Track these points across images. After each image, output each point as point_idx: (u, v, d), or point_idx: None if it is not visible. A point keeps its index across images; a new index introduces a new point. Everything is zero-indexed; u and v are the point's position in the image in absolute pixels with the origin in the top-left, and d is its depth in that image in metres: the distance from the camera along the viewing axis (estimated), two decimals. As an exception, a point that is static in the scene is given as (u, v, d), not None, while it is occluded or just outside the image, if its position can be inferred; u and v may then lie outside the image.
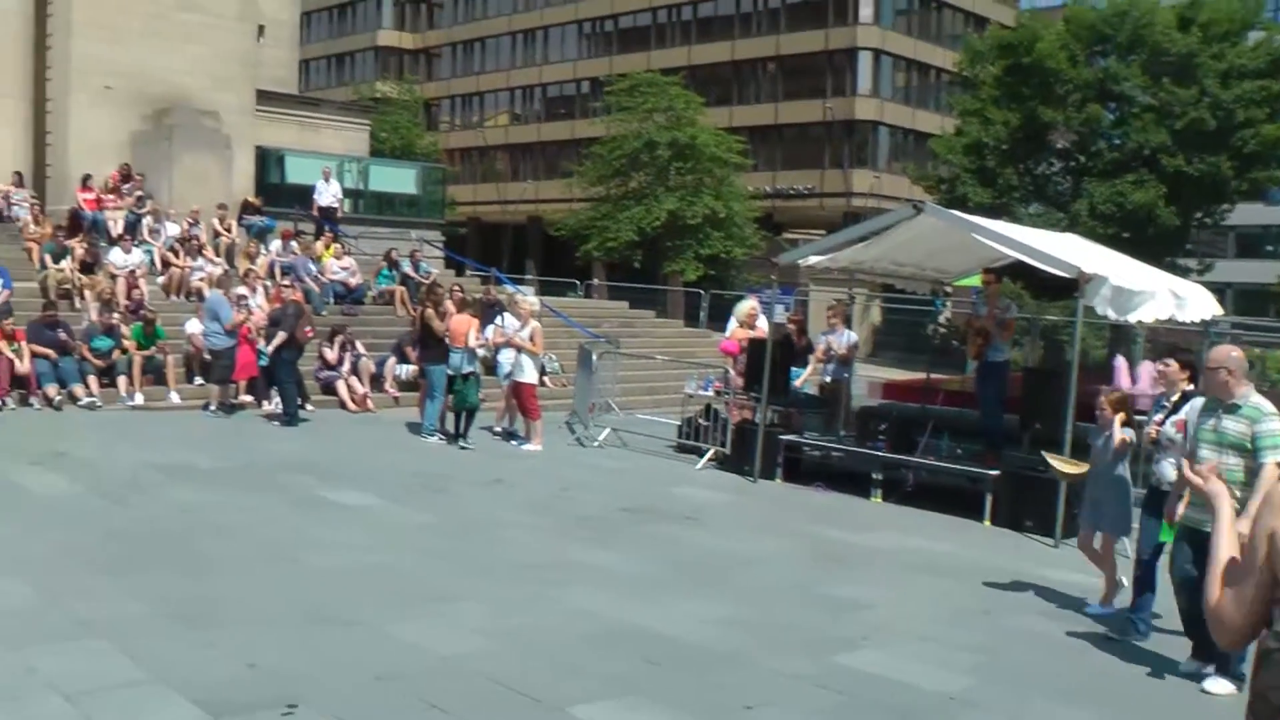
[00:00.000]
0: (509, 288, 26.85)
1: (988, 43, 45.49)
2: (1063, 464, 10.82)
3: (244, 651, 7.27)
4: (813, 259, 16.36)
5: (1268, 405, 7.70)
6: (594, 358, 19.17)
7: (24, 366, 17.80)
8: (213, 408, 18.41)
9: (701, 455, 16.70)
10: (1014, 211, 40.27)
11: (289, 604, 8.37)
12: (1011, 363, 17.42)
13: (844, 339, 17.26)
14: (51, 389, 17.90)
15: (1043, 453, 11.54)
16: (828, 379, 17.45)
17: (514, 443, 17.54)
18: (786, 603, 9.46)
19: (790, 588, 9.99)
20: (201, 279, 22.39)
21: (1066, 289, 13.43)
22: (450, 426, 17.24)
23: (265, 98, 32.60)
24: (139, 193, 25.68)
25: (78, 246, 22.10)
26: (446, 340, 17.03)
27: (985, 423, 15.42)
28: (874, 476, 14.65)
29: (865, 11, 61.24)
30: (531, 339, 17.24)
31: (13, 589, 8.39)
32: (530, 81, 77.47)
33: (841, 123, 61.41)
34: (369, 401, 20.13)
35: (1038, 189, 44.00)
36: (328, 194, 28.99)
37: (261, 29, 34.34)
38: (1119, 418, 9.66)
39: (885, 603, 9.68)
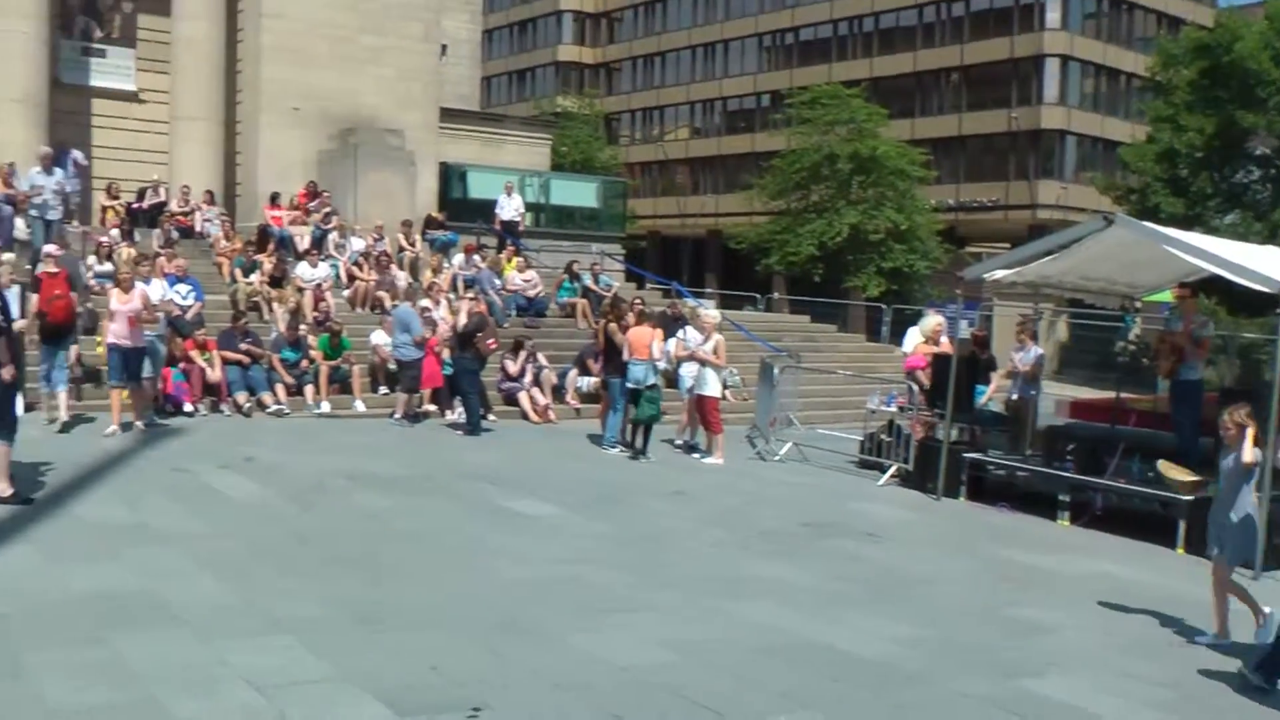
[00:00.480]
0: (690, 301, 26.80)
1: (1182, 45, 43.76)
2: (1177, 473, 10.23)
3: (427, 654, 7.29)
4: (999, 273, 15.90)
5: None
6: (775, 372, 18.97)
7: (215, 375, 18.37)
8: (398, 416, 18.70)
9: (883, 471, 16.37)
10: (1209, 222, 38.79)
11: (471, 610, 8.40)
12: (1205, 382, 16.69)
13: (1030, 355, 16.80)
14: (241, 396, 18.42)
15: (1159, 462, 10.96)
16: (1013, 396, 17.00)
17: (695, 456, 17.46)
18: (968, 623, 9.15)
19: (972, 609, 9.67)
20: (389, 291, 22.81)
21: (1266, 304, 12.77)
22: (631, 439, 17.19)
23: (448, 115, 33.23)
24: (325, 209, 26.27)
25: (266, 261, 22.70)
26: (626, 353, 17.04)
27: (1181, 446, 14.55)
28: (1060, 498, 14.11)
29: (1052, 16, 59.78)
30: (715, 352, 17.14)
31: (206, 585, 8.64)
32: (710, 95, 77.52)
33: (1027, 132, 59.98)
34: (550, 413, 20.26)
35: (1234, 198, 42.12)
36: (510, 208, 29.31)
37: (444, 48, 35.03)
38: (1250, 434, 8.82)
39: (1070, 628, 9.27)
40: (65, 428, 15.66)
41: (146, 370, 16.24)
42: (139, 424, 15.85)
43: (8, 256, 15.76)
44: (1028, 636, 8.91)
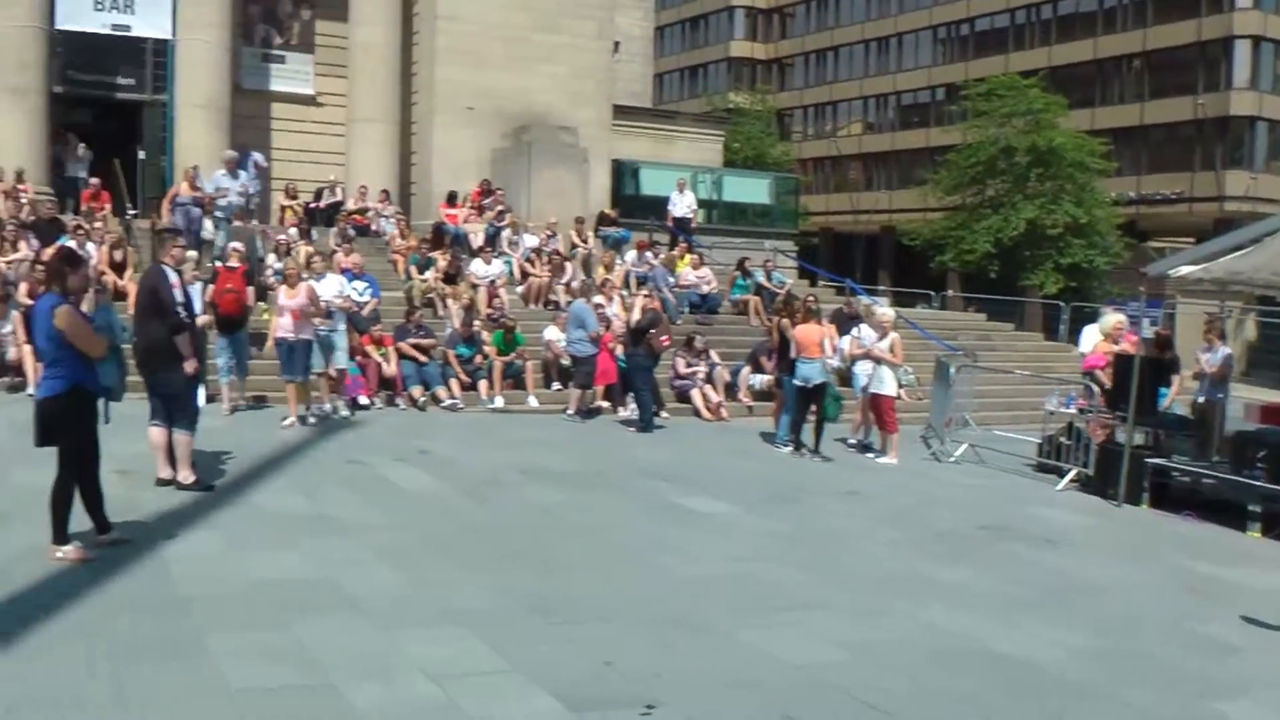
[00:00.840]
0: (863, 298, 26.50)
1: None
2: None
3: (601, 649, 7.29)
4: (1184, 269, 15.31)
5: None
6: (951, 371, 18.63)
7: (391, 369, 18.75)
8: (571, 412, 18.82)
9: (1062, 476, 15.84)
10: None
11: (645, 605, 8.37)
12: None
13: (1217, 356, 16.19)
14: (416, 390, 18.74)
15: None
16: (1199, 399, 16.40)
17: (869, 455, 17.22)
18: (1149, 636, 8.78)
19: (1153, 621, 9.28)
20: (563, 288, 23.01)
21: None
22: (804, 437, 17.01)
23: (621, 112, 33.40)
24: (499, 207, 26.59)
25: (441, 258, 23.04)
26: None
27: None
28: (1251, 509, 13.47)
29: (1243, -4, 57.43)
30: (891, 350, 16.91)
31: (383, 575, 8.79)
32: (884, 89, 76.70)
33: (1214, 120, 57.69)
34: (723, 410, 20.18)
35: None
36: (682, 205, 29.34)
37: (617, 45, 35.18)
38: None
39: (1259, 648, 8.82)
40: (233, 410, 16.47)
41: (318, 363, 16.56)
42: (310, 416, 16.21)
43: (192, 255, 16.28)
44: (1212, 654, 8.50)
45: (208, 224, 22.15)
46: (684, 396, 20.34)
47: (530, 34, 29.91)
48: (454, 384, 19.04)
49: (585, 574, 9.26)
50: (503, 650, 7.15)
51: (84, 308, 8.91)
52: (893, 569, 10.23)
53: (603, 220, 28.77)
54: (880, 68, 76.99)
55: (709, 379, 20.51)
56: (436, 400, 18.83)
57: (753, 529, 11.55)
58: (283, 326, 15.98)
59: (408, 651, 7.04)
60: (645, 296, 19.50)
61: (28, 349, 16.59)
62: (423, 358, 19.08)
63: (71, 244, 18.13)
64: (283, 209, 27.03)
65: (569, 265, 24.48)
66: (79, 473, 8.59)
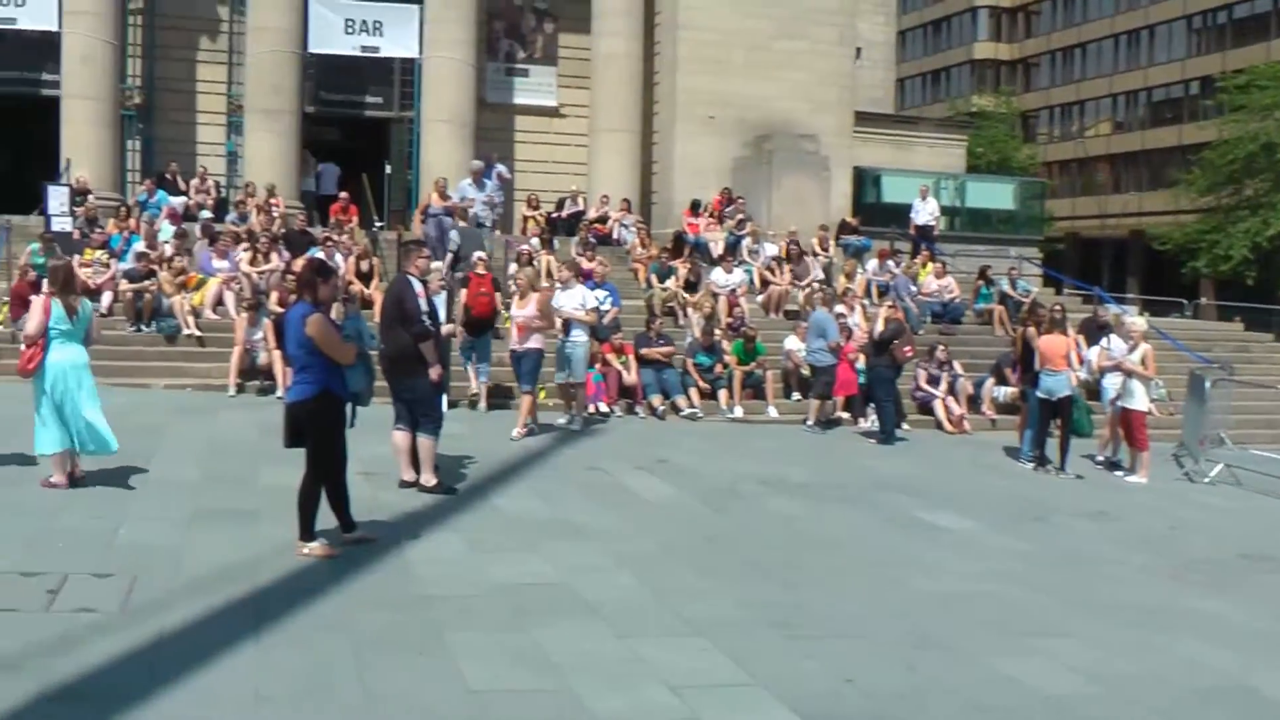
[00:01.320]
0: (1112, 307, 25.70)
1: None
2: None
3: (842, 666, 7.23)
4: None
5: None
6: (1206, 385, 17.83)
7: (631, 377, 18.95)
8: (810, 422, 18.71)
9: (1334, 499, 15.09)
10: None
11: (887, 622, 8.27)
12: None
13: None
14: (656, 399, 18.89)
15: None
16: None
17: (1118, 474, 16.64)
18: None
19: None
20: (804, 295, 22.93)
21: None
22: (1049, 453, 16.55)
23: (862, 118, 33.14)
24: (740, 215, 26.66)
25: (682, 267, 23.21)
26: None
27: None
28: None
29: None
30: (1143, 363, 16.34)
31: (623, 583, 8.88)
32: (1134, 86, 73.84)
33: None
34: (965, 423, 19.84)
35: None
36: (924, 212, 28.93)
37: (858, 51, 34.88)
38: None
39: None
40: (473, 403, 17.32)
41: (572, 373, 16.79)
42: (532, 426, 16.04)
43: (437, 265, 16.75)
44: None
45: (453, 234, 22.81)
46: (926, 408, 20.05)
47: (771, 41, 29.92)
48: (693, 393, 19.15)
49: (825, 587, 9.20)
50: (743, 663, 7.15)
51: (332, 316, 9.25)
52: (1144, 597, 9.84)
53: (844, 229, 28.59)
54: (1130, 62, 74.13)
55: (951, 391, 20.17)
56: (676, 409, 18.96)
57: (996, 547, 11.30)
58: (513, 337, 16.31)
59: (648, 660, 7.09)
60: (889, 307, 19.27)
61: (277, 354, 17.41)
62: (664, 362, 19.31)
63: (321, 255, 18.97)
64: (525, 219, 27.66)
65: (808, 260, 24.40)
66: (326, 474, 8.94)
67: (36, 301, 11.17)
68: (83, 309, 11.08)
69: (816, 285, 23.01)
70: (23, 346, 11.48)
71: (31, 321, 10.90)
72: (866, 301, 22.27)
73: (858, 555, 10.49)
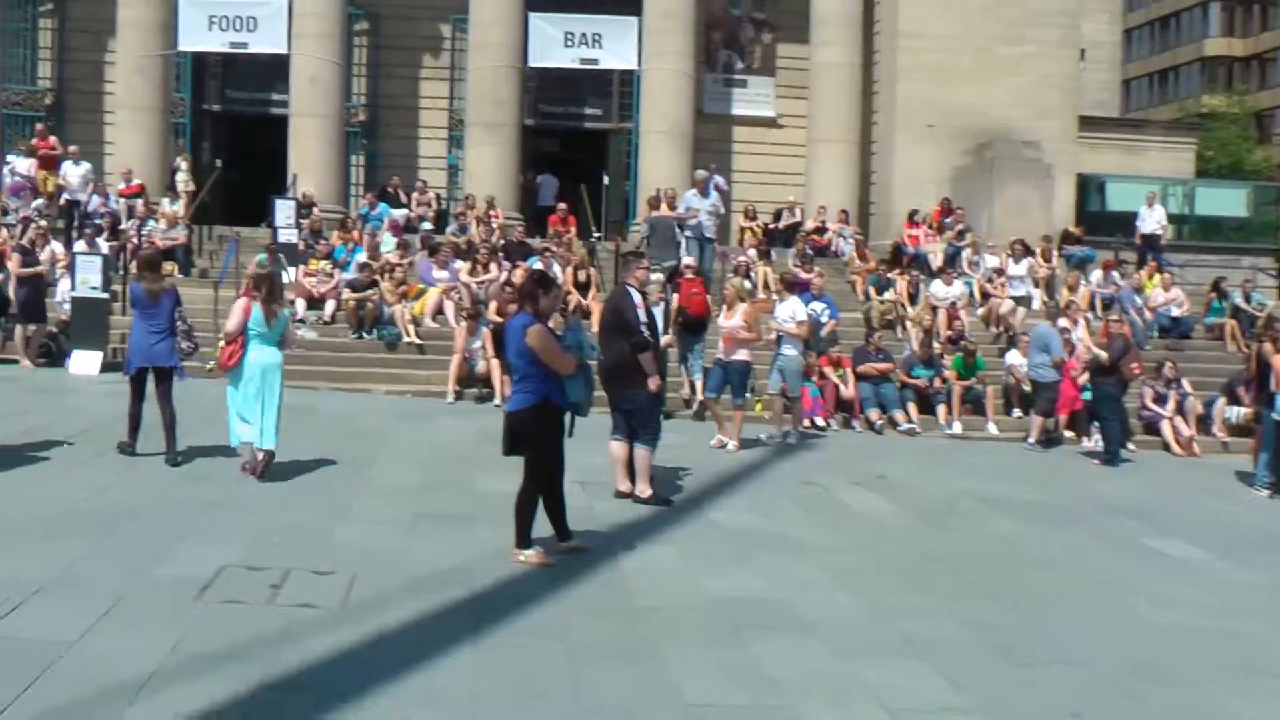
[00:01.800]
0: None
1: None
2: None
3: (1066, 694, 7.09)
4: None
5: None
6: None
7: (848, 391, 18.88)
8: (1032, 440, 18.34)
9: None
10: None
11: (1112, 651, 8.05)
12: None
13: None
14: (873, 414, 18.80)
15: None
16: None
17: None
18: None
19: None
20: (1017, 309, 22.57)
21: None
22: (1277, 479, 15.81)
23: (1086, 123, 32.38)
24: (959, 226, 26.34)
25: (900, 279, 23.02)
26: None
27: None
28: None
29: None
30: None
31: (839, 599, 8.86)
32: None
33: None
34: (1194, 445, 19.18)
35: None
36: (1151, 220, 28.11)
37: (1083, 52, 34.10)
38: None
39: None
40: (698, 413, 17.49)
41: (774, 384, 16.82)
42: (731, 441, 15.75)
43: (656, 277, 17.01)
44: None
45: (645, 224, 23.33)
46: (1152, 428, 19.42)
47: (993, 46, 29.38)
48: (911, 408, 18.99)
49: (1048, 612, 9.02)
50: (962, 686, 7.06)
51: (551, 326, 9.44)
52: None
53: (1067, 238, 27.96)
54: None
55: (1180, 410, 19.52)
56: (893, 424, 18.84)
57: (1229, 579, 10.86)
58: (719, 348, 16.33)
59: (866, 680, 7.04)
60: (1113, 321, 18.79)
61: (495, 363, 17.89)
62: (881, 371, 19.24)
63: (539, 265, 19.43)
64: (742, 230, 27.78)
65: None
66: (543, 482, 9.06)
67: (238, 304, 12.09)
68: (280, 315, 12.02)
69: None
70: (223, 343, 12.52)
71: (232, 321, 11.90)
72: (1090, 314, 21.70)
73: (1081, 580, 10.24)
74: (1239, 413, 19.26)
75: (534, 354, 8.76)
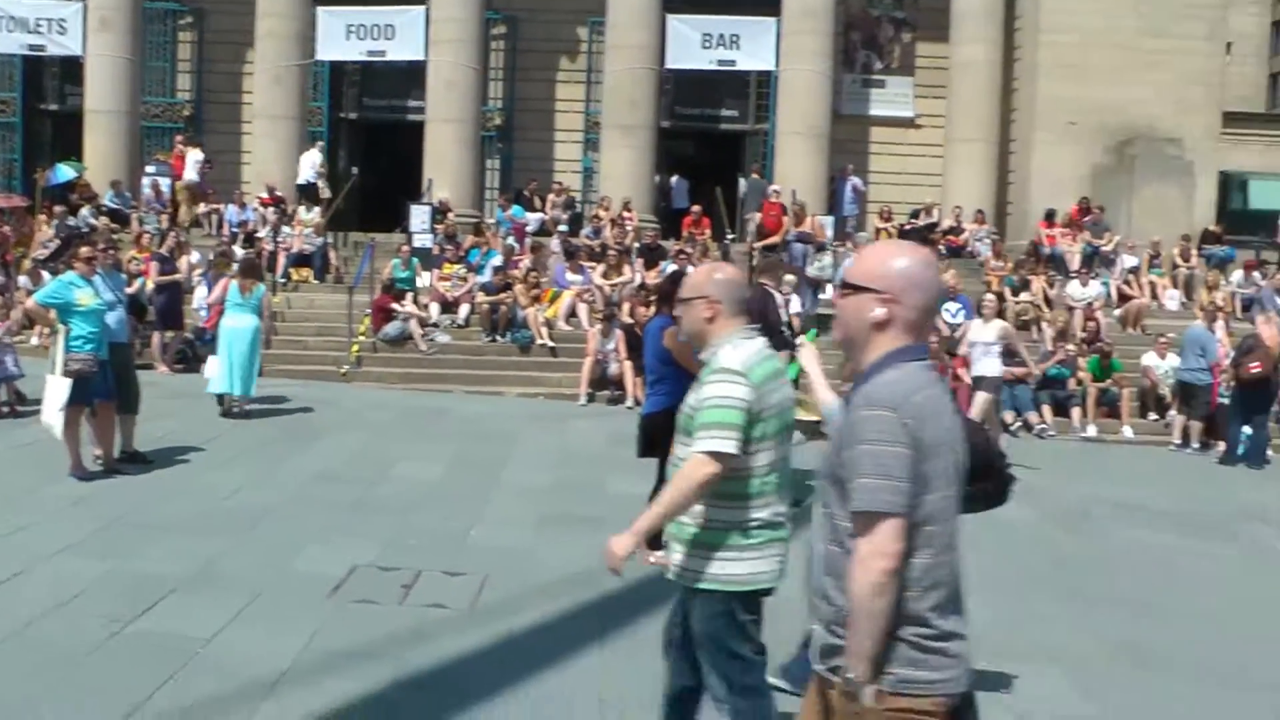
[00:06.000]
0: None
1: None
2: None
3: (1199, 708, 7.03)
4: None
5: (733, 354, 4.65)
6: None
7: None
8: (1179, 443, 18.31)
9: None
10: None
11: (1249, 666, 7.93)
12: None
13: None
14: (1007, 415, 18.63)
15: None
16: None
17: None
18: None
19: None
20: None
21: None
22: None
23: (1230, 119, 31.67)
24: (1098, 225, 25.95)
25: (1036, 280, 22.73)
26: None
27: None
28: None
29: None
30: None
31: (971, 605, 8.69)
32: None
33: None
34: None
35: None
36: (1293, 220, 27.46)
37: (1229, 46, 33.32)
38: None
39: None
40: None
41: None
42: None
43: (790, 278, 16.97)
44: None
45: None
46: (1295, 432, 19.01)
47: (1136, 40, 28.79)
48: (1046, 410, 18.78)
49: (1183, 622, 8.92)
50: (1093, 695, 7.06)
51: None
52: None
53: (1207, 238, 27.39)
54: None
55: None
56: (1028, 426, 18.64)
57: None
58: None
59: (993, 685, 7.00)
60: (1267, 321, 18.34)
61: (628, 365, 18.01)
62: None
63: (673, 268, 19.51)
64: (877, 231, 27.61)
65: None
66: None
67: (221, 281, 16.72)
68: (255, 290, 15.43)
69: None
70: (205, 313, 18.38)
71: (214, 293, 17.11)
72: (1231, 316, 21.24)
73: (1217, 590, 10.11)
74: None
75: (671, 356, 8.69)
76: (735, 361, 4.64)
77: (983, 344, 15.06)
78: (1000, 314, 16.25)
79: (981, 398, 15.19)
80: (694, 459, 4.57)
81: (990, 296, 16.29)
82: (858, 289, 3.44)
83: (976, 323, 15.57)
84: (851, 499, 3.29)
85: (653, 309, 11.59)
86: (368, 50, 28.34)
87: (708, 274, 4.99)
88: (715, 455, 4.49)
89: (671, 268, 20.62)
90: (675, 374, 8.69)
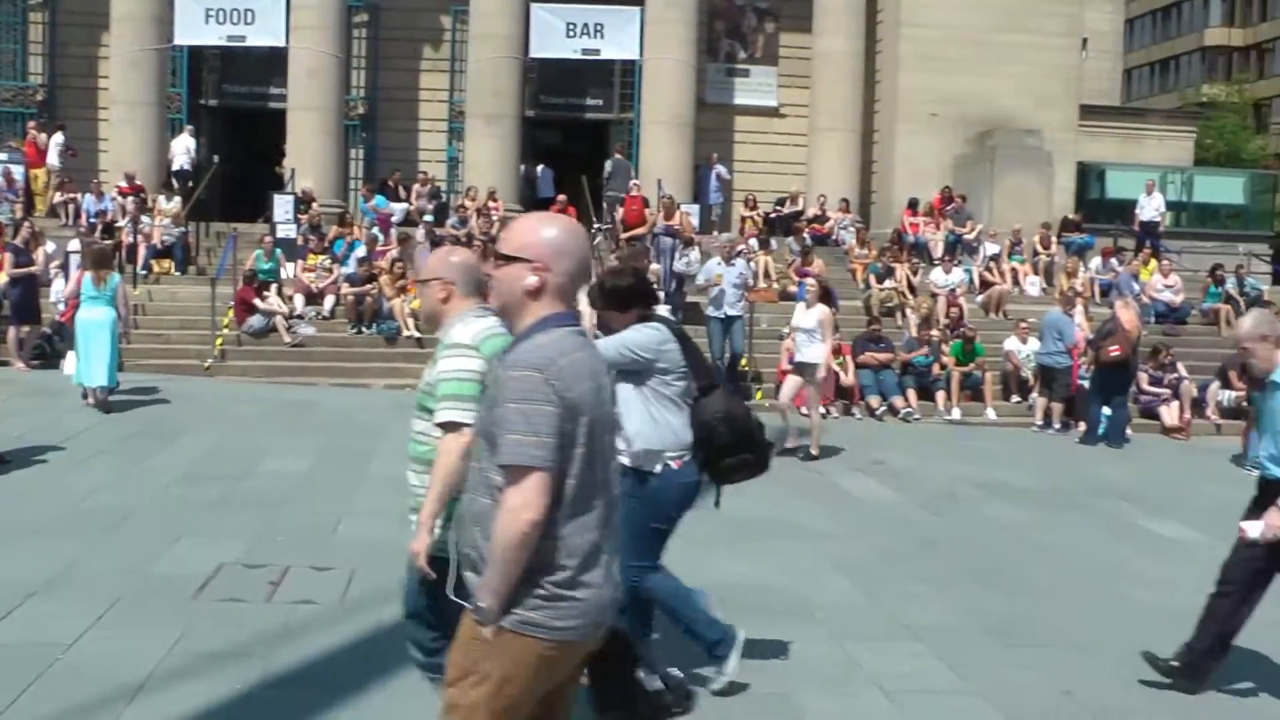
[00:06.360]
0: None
1: None
2: None
3: (1059, 676, 7.17)
4: None
5: (464, 330, 4.92)
6: None
7: (848, 378, 18.97)
8: (1040, 424, 18.67)
9: None
10: None
11: (1107, 634, 8.11)
12: None
13: None
14: (873, 400, 18.95)
15: None
16: None
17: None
18: None
19: None
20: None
21: None
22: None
23: (1087, 112, 32.41)
24: (959, 214, 26.41)
25: (900, 267, 23.07)
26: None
27: None
28: None
29: None
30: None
31: (838, 585, 8.96)
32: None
33: None
34: (1189, 428, 19.31)
35: None
36: (1149, 208, 28.21)
37: (1084, 42, 34.11)
38: None
39: None
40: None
41: None
42: None
43: (655, 267, 16.99)
44: None
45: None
46: (1149, 412, 19.54)
47: (995, 35, 29.42)
48: (911, 394, 19.09)
49: (1044, 596, 9.11)
50: (959, 670, 7.16)
51: None
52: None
53: (1066, 226, 28.04)
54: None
55: (1175, 394, 19.63)
56: (893, 410, 18.92)
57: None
58: None
59: (863, 664, 7.13)
60: (1125, 305, 18.85)
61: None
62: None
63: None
64: (743, 219, 27.80)
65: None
66: None
67: (75, 275, 16.71)
68: (109, 280, 15.17)
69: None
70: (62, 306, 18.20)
71: (69, 286, 16.83)
72: (1090, 301, 21.78)
73: (1076, 563, 10.33)
74: (1231, 396, 19.37)
75: None
76: (466, 337, 4.81)
77: (804, 330, 14.93)
78: (825, 299, 16.07)
79: (792, 381, 15.22)
80: (446, 438, 4.67)
81: (811, 282, 16.09)
82: (510, 259, 3.60)
83: (799, 308, 15.42)
84: (500, 453, 3.43)
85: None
86: (227, 35, 27.77)
87: (444, 257, 5.18)
88: (457, 425, 4.60)
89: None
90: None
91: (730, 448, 6.36)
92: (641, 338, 6.08)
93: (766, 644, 7.31)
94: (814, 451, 14.67)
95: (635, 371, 6.10)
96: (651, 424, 6.14)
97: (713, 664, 6.53)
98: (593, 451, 3.51)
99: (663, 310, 11.34)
